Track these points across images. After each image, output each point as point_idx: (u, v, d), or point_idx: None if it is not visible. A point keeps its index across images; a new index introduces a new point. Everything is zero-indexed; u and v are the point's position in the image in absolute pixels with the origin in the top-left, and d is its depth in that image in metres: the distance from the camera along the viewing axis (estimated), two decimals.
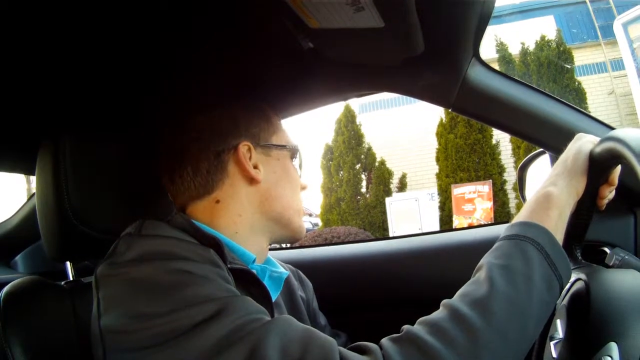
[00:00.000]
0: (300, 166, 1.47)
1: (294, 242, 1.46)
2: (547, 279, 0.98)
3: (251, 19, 1.22)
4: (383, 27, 1.13)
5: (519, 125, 1.59)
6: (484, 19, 1.29)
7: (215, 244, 1.14)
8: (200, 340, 0.90)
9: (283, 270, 1.42)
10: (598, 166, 1.11)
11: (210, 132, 1.30)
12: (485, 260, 1.03)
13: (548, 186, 1.12)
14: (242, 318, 0.93)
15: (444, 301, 0.99)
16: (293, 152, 1.45)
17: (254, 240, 1.32)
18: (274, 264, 1.44)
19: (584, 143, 1.16)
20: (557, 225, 1.06)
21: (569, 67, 13.60)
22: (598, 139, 1.14)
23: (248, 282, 1.18)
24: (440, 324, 0.92)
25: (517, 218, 1.10)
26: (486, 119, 1.63)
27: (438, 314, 0.96)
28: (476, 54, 1.49)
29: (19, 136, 1.59)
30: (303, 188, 1.48)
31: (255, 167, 1.32)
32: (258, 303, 1.06)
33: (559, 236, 1.06)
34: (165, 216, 1.43)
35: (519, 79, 1.56)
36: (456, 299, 0.97)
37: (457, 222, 12.33)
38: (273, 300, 1.26)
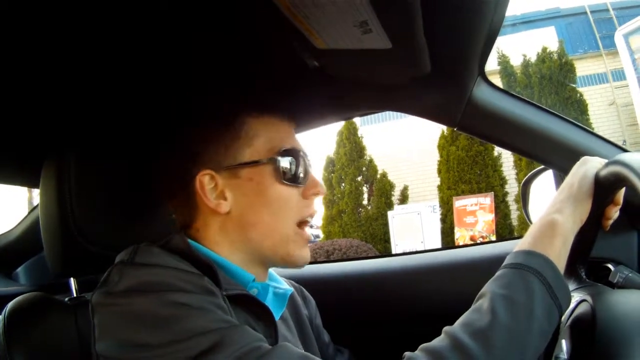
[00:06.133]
0: (296, 172, 1.27)
1: (293, 268, 1.32)
2: (547, 310, 0.98)
3: (256, 38, 1.22)
4: (390, 49, 1.13)
5: (525, 144, 1.59)
6: (491, 38, 1.29)
7: (210, 270, 1.11)
8: None
9: (287, 287, 1.39)
10: (604, 188, 1.12)
11: (171, 163, 1.26)
12: (488, 288, 1.03)
13: (553, 213, 1.12)
14: (241, 350, 0.93)
15: (446, 329, 1.00)
16: (275, 164, 1.25)
17: (244, 262, 1.25)
18: (277, 279, 1.41)
19: (589, 168, 1.16)
20: (560, 254, 1.07)
21: (574, 86, 13.62)
22: (604, 161, 1.14)
23: (248, 303, 1.16)
24: (442, 353, 0.93)
25: (522, 245, 1.10)
26: (492, 138, 1.63)
27: (440, 343, 0.96)
28: (482, 73, 1.48)
29: (24, 151, 1.59)
30: (314, 194, 1.33)
31: (222, 194, 1.23)
32: (260, 322, 1.09)
33: (562, 264, 1.07)
34: (167, 233, 1.43)
35: (524, 98, 1.56)
36: (458, 329, 0.97)
37: (458, 234, 12.34)
38: (277, 318, 1.24)
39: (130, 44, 1.14)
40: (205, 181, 1.21)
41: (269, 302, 1.26)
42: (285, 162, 1.25)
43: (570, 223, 1.10)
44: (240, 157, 1.24)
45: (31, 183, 1.80)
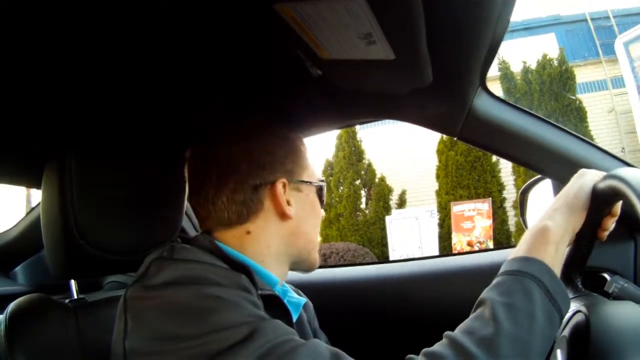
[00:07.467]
0: (323, 200, 1.47)
1: (308, 272, 1.47)
2: (548, 313, 1.00)
3: (261, 46, 1.23)
4: (393, 60, 1.14)
5: (524, 154, 1.60)
6: (493, 49, 1.30)
7: (246, 271, 1.16)
8: None
9: (299, 297, 1.45)
10: (601, 201, 1.13)
11: (249, 164, 1.30)
12: (487, 295, 1.04)
13: (546, 220, 1.14)
14: (273, 341, 0.96)
15: (448, 334, 1.01)
16: (319, 188, 1.44)
17: (277, 267, 1.34)
18: (290, 289, 1.46)
19: (587, 180, 1.17)
20: (554, 260, 1.08)
21: (572, 97, 13.59)
22: (602, 173, 1.16)
23: (274, 305, 1.20)
24: None
25: (516, 252, 1.12)
26: (492, 149, 1.65)
27: (444, 350, 0.97)
28: (483, 84, 1.50)
29: (26, 152, 1.59)
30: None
31: (288, 203, 1.33)
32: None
33: (557, 269, 1.08)
34: (171, 236, 1.44)
35: (524, 108, 1.58)
36: (461, 336, 0.98)
37: (455, 239, 12.30)
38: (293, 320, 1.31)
39: (132, 45, 1.13)
40: (280, 188, 1.30)
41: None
42: (324, 188, 1.46)
43: (562, 231, 1.12)
44: (302, 174, 1.39)
45: (34, 184, 1.80)
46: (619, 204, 1.17)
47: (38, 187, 1.43)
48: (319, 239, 1.57)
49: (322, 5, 0.92)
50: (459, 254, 3.11)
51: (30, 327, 1.32)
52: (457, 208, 12.35)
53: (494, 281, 1.08)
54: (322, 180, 1.46)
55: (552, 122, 1.58)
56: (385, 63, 1.17)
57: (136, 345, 1.02)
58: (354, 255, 11.00)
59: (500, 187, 12.97)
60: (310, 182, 1.40)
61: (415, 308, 1.99)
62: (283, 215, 1.32)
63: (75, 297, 1.61)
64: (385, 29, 0.99)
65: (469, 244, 12.01)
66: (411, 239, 12.23)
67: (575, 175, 1.22)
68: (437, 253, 11.82)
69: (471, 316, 1.03)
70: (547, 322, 0.99)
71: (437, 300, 1.95)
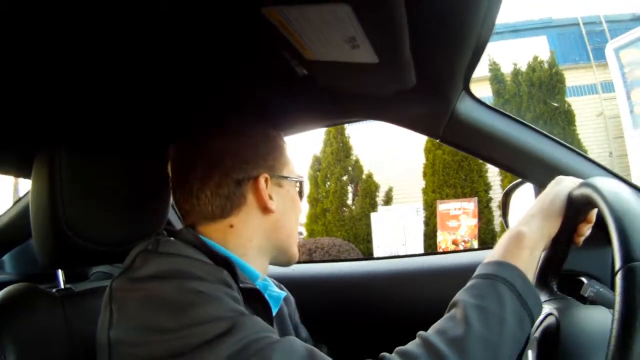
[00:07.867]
0: (302, 195, 1.51)
1: (287, 266, 1.50)
2: (519, 317, 1.02)
3: (248, 47, 1.24)
4: (377, 63, 1.16)
5: (505, 158, 1.63)
6: (477, 54, 1.31)
7: (228, 265, 1.18)
8: (211, 355, 0.94)
9: (280, 291, 1.48)
10: (576, 208, 1.16)
11: (233, 159, 1.32)
12: (461, 297, 1.07)
13: (521, 225, 1.17)
14: (250, 336, 0.97)
15: (421, 334, 1.03)
16: (300, 184, 1.49)
17: (259, 261, 1.37)
18: (271, 283, 1.49)
19: (562, 188, 1.20)
20: (528, 264, 1.11)
21: (556, 105, 13.57)
22: (579, 180, 1.18)
23: (254, 299, 1.22)
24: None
25: (492, 256, 1.15)
26: (473, 152, 1.67)
27: (416, 349, 0.99)
28: (466, 88, 1.51)
29: (18, 143, 1.59)
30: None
31: (270, 197, 1.35)
32: (261, 318, 1.11)
33: (530, 274, 1.11)
34: (157, 228, 1.47)
35: (507, 113, 1.60)
36: (433, 335, 1.00)
37: (440, 237, 12.32)
38: (273, 314, 1.32)
39: (127, 41, 1.13)
40: (263, 182, 1.33)
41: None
42: (302, 184, 1.51)
43: (538, 236, 1.14)
44: (283, 170, 1.43)
45: (24, 174, 1.81)
46: (594, 211, 1.19)
47: (28, 176, 1.44)
48: (305, 233, 1.62)
49: (308, 9, 0.94)
50: (444, 252, 3.13)
51: (18, 315, 1.33)
52: (443, 206, 12.37)
53: (468, 283, 1.11)
54: (301, 176, 1.50)
55: (534, 127, 1.59)
56: (368, 65, 1.19)
57: (121, 335, 1.03)
58: (339, 251, 11.01)
59: (487, 187, 13.01)
60: (291, 178, 1.44)
61: (398, 305, 2.01)
62: (265, 210, 1.35)
63: (62, 286, 1.62)
64: (368, 33, 1.01)
65: (454, 242, 12.05)
66: (396, 236, 12.24)
67: (552, 182, 1.25)
68: (422, 251, 11.84)
69: (444, 316, 1.06)
70: (517, 326, 1.01)
71: (421, 298, 1.97)
